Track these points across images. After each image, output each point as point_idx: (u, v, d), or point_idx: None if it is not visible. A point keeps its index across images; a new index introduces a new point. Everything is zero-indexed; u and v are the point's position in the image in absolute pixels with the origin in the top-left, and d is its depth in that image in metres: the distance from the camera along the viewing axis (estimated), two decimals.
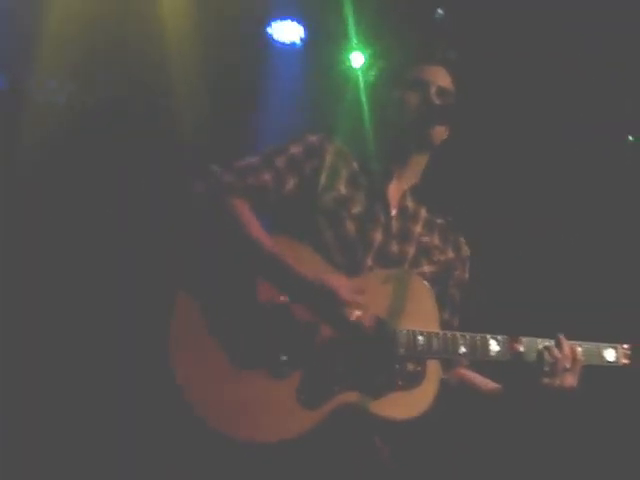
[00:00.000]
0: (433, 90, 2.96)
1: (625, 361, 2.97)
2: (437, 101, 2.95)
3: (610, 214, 4.70)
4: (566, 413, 3.75)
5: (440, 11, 4.44)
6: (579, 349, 2.87)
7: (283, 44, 5.07)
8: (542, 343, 2.88)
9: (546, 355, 2.83)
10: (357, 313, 2.69)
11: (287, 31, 5.07)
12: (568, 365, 2.84)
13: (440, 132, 3.00)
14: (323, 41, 5.05)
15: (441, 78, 2.99)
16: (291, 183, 2.90)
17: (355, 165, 3.02)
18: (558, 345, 2.85)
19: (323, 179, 2.93)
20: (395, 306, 2.82)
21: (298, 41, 5.11)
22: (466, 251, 3.18)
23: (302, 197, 2.90)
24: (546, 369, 2.82)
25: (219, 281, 2.78)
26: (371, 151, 3.07)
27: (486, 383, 3.05)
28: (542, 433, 4.47)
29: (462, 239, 3.18)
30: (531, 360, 2.86)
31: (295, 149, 2.94)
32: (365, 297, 2.75)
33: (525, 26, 4.58)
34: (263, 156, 2.91)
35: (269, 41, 5.07)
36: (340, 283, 2.71)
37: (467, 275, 3.18)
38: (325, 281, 2.70)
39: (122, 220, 4.85)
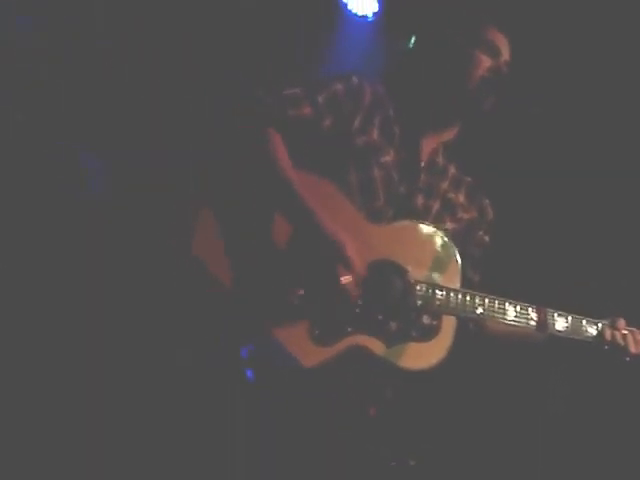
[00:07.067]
0: (503, 60, 2.99)
1: None
2: (505, 72, 2.98)
3: None
4: None
5: None
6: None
7: (355, 15, 5.29)
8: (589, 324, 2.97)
9: (607, 334, 2.95)
10: (348, 279, 2.69)
11: (363, 3, 5.29)
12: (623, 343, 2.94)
13: (491, 102, 2.99)
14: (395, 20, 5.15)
15: (508, 50, 3.02)
16: (328, 120, 2.91)
17: (391, 112, 3.03)
18: (613, 325, 2.97)
19: (358, 122, 2.95)
20: (418, 258, 2.87)
21: (370, 15, 5.32)
22: (490, 214, 3.20)
23: (335, 136, 2.91)
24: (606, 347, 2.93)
25: (243, 206, 2.80)
26: (413, 99, 3.07)
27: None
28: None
29: (488, 201, 3.20)
30: (580, 337, 2.94)
31: (337, 87, 2.93)
32: (389, 245, 2.82)
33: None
34: (306, 89, 2.92)
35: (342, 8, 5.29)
36: (351, 244, 2.69)
37: (488, 238, 3.19)
38: (338, 234, 2.70)
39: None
